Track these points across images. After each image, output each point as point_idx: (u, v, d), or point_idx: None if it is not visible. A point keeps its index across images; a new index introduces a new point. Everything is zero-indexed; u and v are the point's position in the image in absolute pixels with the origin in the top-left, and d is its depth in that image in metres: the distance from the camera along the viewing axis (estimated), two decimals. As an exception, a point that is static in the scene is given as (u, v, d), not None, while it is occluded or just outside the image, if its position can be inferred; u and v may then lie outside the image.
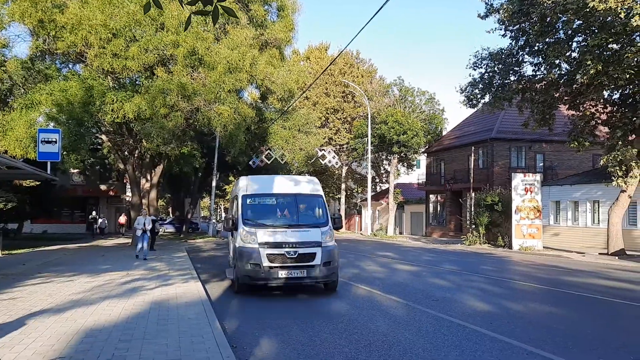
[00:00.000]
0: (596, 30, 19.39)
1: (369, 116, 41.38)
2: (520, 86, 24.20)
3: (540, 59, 22.99)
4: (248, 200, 11.61)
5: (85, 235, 37.42)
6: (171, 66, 23.17)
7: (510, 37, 23.48)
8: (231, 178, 51.83)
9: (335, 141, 51.00)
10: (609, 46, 19.36)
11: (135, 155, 27.63)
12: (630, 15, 16.43)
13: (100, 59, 21.40)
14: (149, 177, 30.27)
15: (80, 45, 21.41)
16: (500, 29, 23.42)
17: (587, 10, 17.81)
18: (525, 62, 24.10)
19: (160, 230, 35.13)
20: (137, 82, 24.08)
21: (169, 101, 21.55)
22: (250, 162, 34.35)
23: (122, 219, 41.49)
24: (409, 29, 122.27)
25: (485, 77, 24.59)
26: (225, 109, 22.75)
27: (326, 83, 51.09)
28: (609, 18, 17.92)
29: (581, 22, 19.90)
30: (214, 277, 14.40)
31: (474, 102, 25.46)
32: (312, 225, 11.30)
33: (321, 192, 12.39)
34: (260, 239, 10.60)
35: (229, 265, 14.06)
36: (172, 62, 23.27)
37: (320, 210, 11.89)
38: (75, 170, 37.79)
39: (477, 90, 25.06)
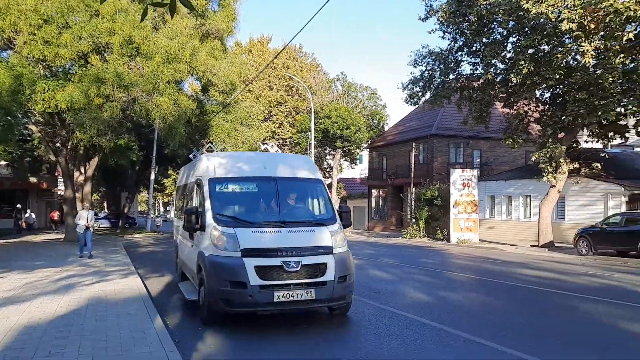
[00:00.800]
0: (529, 32, 20.28)
1: (312, 110, 41.49)
2: (459, 85, 24.97)
3: (478, 58, 23.80)
4: (218, 187, 8.13)
5: (13, 230, 35.48)
6: (107, 55, 22.33)
7: (449, 39, 24.20)
8: (170, 172, 50.64)
9: (278, 135, 50.85)
10: (540, 47, 20.29)
11: (68, 147, 26.46)
12: (559, 19, 17.25)
13: (30, 45, 20.32)
14: (82, 170, 29.08)
15: (8, 32, 20.27)
16: (440, 30, 24.10)
17: (521, 12, 18.57)
18: (464, 61, 24.90)
19: (95, 225, 33.81)
20: (70, 71, 23.05)
21: (104, 91, 20.76)
22: (191, 155, 33.42)
23: (54, 213, 39.66)
24: (352, 24, 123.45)
25: (426, 75, 25.18)
26: (164, 100, 22.17)
27: (269, 76, 50.81)
28: (541, 20, 18.77)
29: (515, 23, 20.77)
30: (154, 272, 14.03)
31: (416, 99, 26.03)
32: (315, 222, 8.11)
33: (320, 176, 9.14)
34: (243, 244, 7.18)
35: (178, 275, 11.41)
36: (107, 51, 22.43)
37: (323, 201, 8.62)
38: (3, 162, 35.78)
39: (417, 88, 25.62)
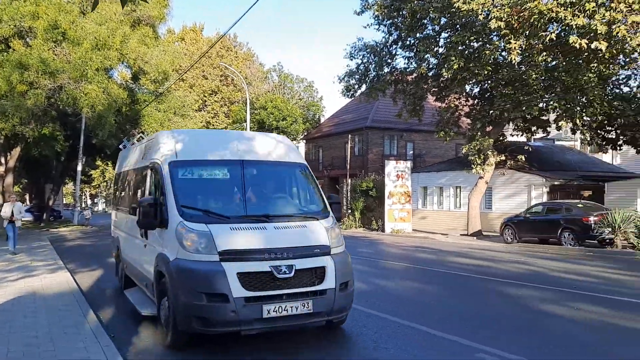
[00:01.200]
0: (459, 29, 21.02)
1: (248, 101, 41.13)
2: (393, 78, 25.49)
3: (412, 53, 24.41)
4: (181, 173, 6.55)
5: None
6: (30, 40, 21.16)
7: (383, 32, 24.67)
8: (98, 162, 48.72)
9: (213, 125, 50.04)
10: (470, 44, 21.08)
11: (-13, 136, 24.89)
12: (489, 18, 17.98)
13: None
14: (3, 161, 27.47)
15: None
16: (376, 24, 24.52)
17: (452, 9, 19.20)
18: (398, 55, 25.46)
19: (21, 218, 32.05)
20: (-11, 56, 21.66)
21: (27, 77, 19.74)
22: (121, 146, 32.34)
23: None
24: (287, 16, 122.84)
25: (361, 68, 25.55)
26: (93, 88, 21.34)
27: (203, 65, 49.83)
28: (471, 18, 19.49)
29: (447, 20, 21.46)
30: (84, 267, 13.51)
31: (352, 91, 26.36)
32: (305, 215, 6.77)
33: (303, 160, 7.79)
34: (221, 245, 5.74)
35: (119, 278, 9.65)
36: (30, 35, 21.26)
37: (311, 189, 7.29)
38: None
39: (353, 81, 25.95)
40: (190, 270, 5.66)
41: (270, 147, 7.37)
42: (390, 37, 24.59)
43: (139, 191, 7.98)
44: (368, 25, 27.14)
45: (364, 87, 26.32)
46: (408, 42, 24.04)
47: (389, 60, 25.34)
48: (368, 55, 25.19)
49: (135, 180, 8.63)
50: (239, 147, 7.04)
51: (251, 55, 54.82)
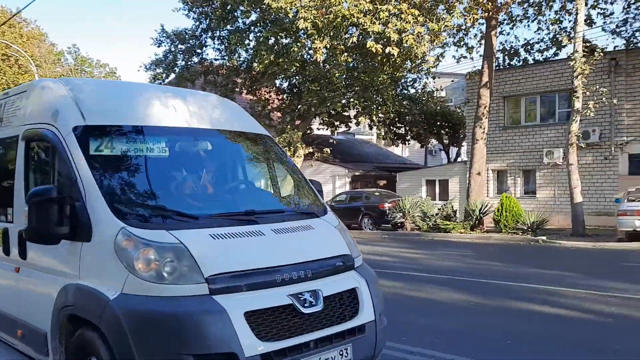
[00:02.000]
0: (270, 24, 21.69)
1: (39, 86, 36.79)
2: (203, 69, 25.20)
3: (223, 45, 24.42)
4: (95, 147, 3.84)
5: None
6: None
7: (193, 19, 24.21)
8: None
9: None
10: (280, 40, 21.90)
11: None
12: (297, 17, 18.89)
13: None
14: None
15: None
16: (185, 10, 23.95)
17: (263, 5, 19.72)
18: (208, 45, 25.23)
19: None
20: None
21: None
22: None
23: None
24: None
25: (169, 56, 24.74)
26: None
27: (-21, 42, 43.18)
28: (281, 15, 20.24)
29: (258, 15, 21.96)
30: None
31: (159, 81, 25.37)
32: (299, 210, 4.55)
33: (265, 130, 5.17)
34: (208, 266, 3.28)
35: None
36: None
37: (290, 172, 4.91)
38: None
39: (160, 69, 24.99)
40: (161, 314, 3.16)
41: (221, 110, 4.85)
42: (201, 26, 24.26)
43: None
44: (177, 9, 25.79)
45: (172, 77, 25.52)
46: (218, 33, 23.99)
47: (199, 50, 24.98)
48: (176, 43, 24.49)
49: None
50: (177, 108, 4.42)
51: (40, 34, 49.04)
